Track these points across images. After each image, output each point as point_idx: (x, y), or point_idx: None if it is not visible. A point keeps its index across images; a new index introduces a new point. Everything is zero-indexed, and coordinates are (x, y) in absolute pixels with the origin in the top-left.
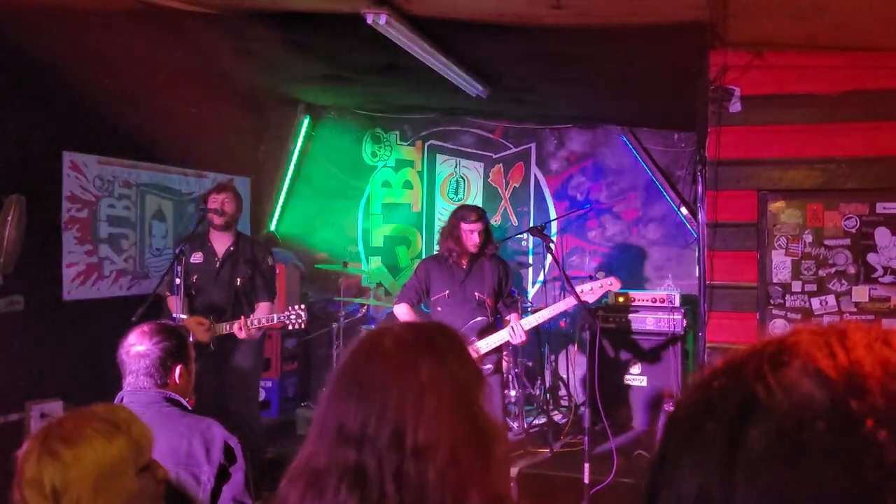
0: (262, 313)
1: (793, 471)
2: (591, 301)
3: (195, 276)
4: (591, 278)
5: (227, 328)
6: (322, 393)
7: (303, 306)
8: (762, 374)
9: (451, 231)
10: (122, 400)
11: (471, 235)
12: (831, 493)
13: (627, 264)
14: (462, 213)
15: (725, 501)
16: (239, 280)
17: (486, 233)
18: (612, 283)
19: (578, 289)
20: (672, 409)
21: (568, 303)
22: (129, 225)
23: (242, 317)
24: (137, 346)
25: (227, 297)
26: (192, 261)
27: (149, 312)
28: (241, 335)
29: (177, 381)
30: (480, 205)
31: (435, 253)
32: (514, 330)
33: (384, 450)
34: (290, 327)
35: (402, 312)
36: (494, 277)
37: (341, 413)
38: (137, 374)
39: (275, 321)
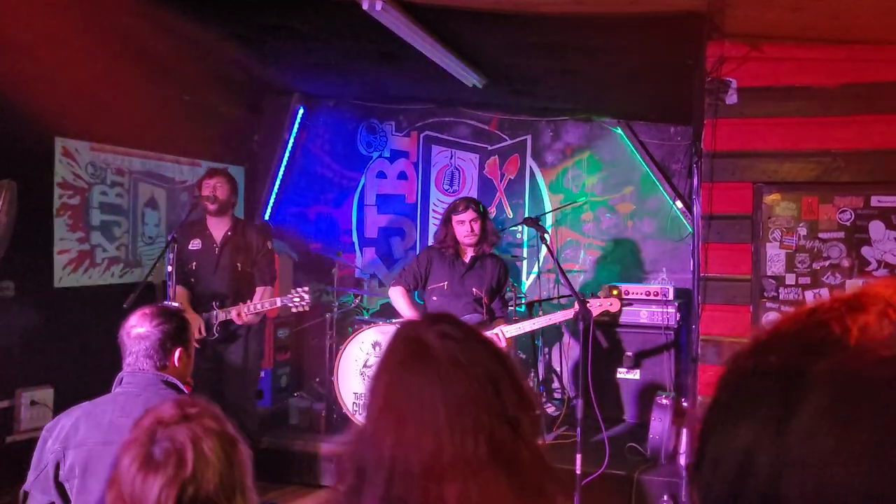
0: (260, 298)
1: (864, 406)
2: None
3: (194, 264)
4: (594, 295)
5: (225, 315)
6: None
7: (306, 288)
8: (839, 315)
9: (445, 224)
10: (121, 381)
11: (461, 226)
12: None
13: (622, 257)
14: (451, 206)
15: (782, 437)
16: (239, 265)
17: (483, 224)
18: (612, 304)
19: None
20: (738, 349)
21: (566, 314)
22: (122, 212)
23: (240, 303)
24: (138, 328)
25: (228, 283)
26: (190, 247)
27: (140, 300)
28: (238, 321)
29: (176, 364)
30: (476, 197)
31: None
32: (498, 337)
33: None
34: (294, 309)
35: (397, 295)
36: (494, 277)
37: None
38: (137, 355)
39: (277, 304)
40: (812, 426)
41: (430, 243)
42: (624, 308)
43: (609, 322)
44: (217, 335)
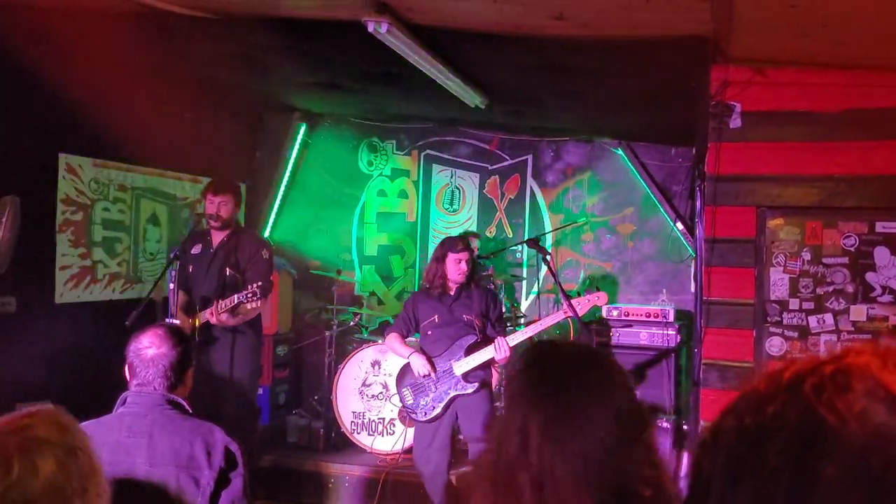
0: (252, 305)
1: None
2: (578, 315)
3: (191, 267)
4: (578, 293)
5: (205, 317)
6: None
7: (259, 283)
8: (828, 399)
9: (439, 262)
10: (124, 401)
11: (458, 265)
12: None
13: (622, 278)
14: (449, 243)
15: None
16: (229, 270)
17: (473, 261)
18: (599, 298)
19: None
20: (707, 435)
21: (556, 317)
22: (124, 228)
23: (214, 302)
24: (153, 349)
25: (214, 288)
26: (192, 252)
27: (142, 317)
28: (213, 321)
29: (187, 384)
30: (475, 216)
31: (421, 287)
32: (499, 346)
33: None
34: (249, 305)
35: (392, 341)
36: (482, 303)
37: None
38: (154, 375)
39: (235, 300)
40: None
41: (427, 262)
42: (623, 329)
43: (609, 343)
44: (197, 339)
